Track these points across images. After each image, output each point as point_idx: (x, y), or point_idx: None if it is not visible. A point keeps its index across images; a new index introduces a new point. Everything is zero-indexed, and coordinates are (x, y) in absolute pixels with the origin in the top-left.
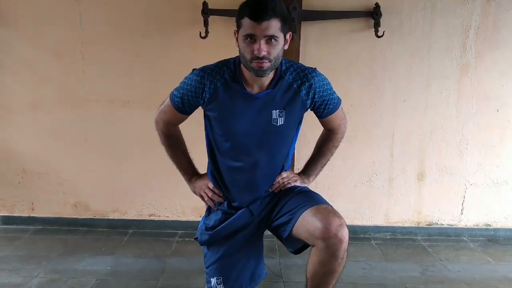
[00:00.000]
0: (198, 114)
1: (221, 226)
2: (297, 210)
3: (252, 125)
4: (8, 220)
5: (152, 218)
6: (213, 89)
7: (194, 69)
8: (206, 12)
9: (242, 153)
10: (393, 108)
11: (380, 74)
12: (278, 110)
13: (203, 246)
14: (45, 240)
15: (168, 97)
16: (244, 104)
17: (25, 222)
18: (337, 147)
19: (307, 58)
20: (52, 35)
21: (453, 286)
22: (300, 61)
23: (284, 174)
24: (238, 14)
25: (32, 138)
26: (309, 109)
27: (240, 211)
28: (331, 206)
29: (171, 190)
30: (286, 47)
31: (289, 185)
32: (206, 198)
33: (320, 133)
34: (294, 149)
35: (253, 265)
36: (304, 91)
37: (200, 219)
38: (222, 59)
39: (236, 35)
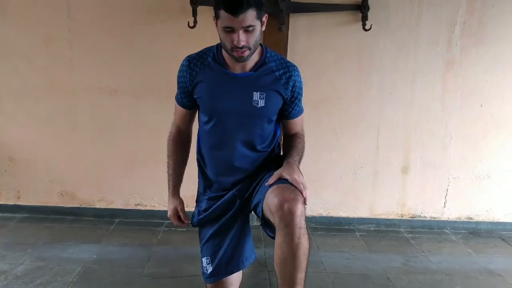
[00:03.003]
0: None
1: (210, 209)
2: (265, 190)
3: (232, 104)
4: None
5: (138, 207)
6: (196, 72)
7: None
8: (195, 2)
9: (222, 132)
10: (379, 101)
11: (367, 67)
12: (258, 92)
13: (198, 228)
14: (31, 228)
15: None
16: (225, 83)
17: (11, 210)
18: (303, 151)
19: (295, 50)
20: (40, 23)
21: (434, 277)
22: (288, 53)
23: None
24: (215, 4)
25: (19, 125)
26: (283, 102)
27: (226, 195)
28: (296, 183)
29: (158, 180)
30: (263, 28)
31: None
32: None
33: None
34: (279, 139)
35: (239, 246)
36: (284, 80)
37: (186, 208)
38: None
39: (215, 21)
